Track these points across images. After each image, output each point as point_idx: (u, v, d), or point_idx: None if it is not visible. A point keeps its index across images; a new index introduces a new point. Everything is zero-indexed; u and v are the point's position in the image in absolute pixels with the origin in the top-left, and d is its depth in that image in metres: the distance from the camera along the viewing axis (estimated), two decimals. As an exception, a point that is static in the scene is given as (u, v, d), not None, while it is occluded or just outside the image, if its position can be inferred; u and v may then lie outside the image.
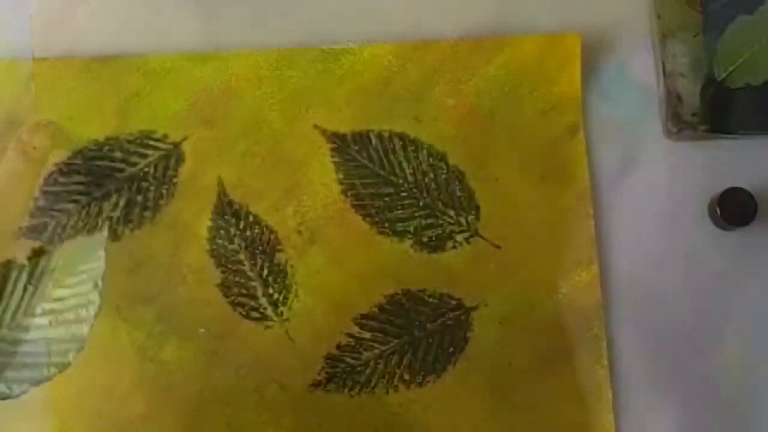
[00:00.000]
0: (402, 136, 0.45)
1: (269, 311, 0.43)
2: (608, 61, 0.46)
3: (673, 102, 0.44)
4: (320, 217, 0.44)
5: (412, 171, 0.44)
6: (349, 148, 0.45)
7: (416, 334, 0.43)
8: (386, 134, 0.45)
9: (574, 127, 0.45)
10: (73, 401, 0.42)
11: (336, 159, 0.44)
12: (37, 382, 0.32)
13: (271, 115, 0.45)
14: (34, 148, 0.44)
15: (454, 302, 0.43)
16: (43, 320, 0.33)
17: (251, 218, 0.44)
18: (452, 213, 0.44)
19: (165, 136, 0.45)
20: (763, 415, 0.43)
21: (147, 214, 0.44)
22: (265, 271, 0.44)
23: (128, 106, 0.45)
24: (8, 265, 0.34)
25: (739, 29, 0.45)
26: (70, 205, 0.44)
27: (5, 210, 0.44)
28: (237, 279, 0.43)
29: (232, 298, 0.43)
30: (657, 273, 0.44)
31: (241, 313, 0.43)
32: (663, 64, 0.45)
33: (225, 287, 0.43)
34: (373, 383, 0.43)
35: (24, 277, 0.34)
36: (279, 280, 0.44)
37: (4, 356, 0.32)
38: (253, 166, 0.44)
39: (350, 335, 0.43)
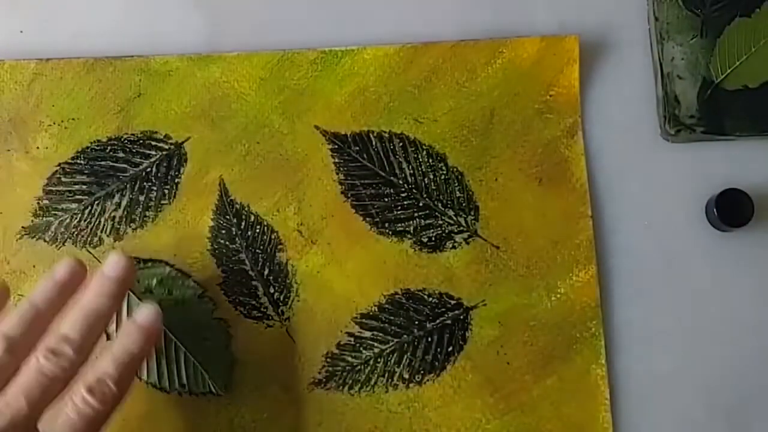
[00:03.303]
0: (402, 137, 0.45)
1: (270, 310, 0.43)
2: (606, 63, 0.46)
3: (670, 104, 0.45)
4: (321, 217, 0.44)
5: (411, 172, 0.45)
6: (350, 149, 0.45)
7: (416, 333, 0.43)
8: (386, 135, 0.45)
9: (572, 129, 0.45)
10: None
11: (336, 159, 0.45)
12: None
13: (272, 116, 0.45)
14: (38, 148, 0.45)
15: (453, 302, 0.44)
16: None
17: (252, 218, 0.44)
18: (451, 213, 0.44)
19: (167, 136, 0.45)
20: (761, 415, 0.43)
21: (149, 213, 0.44)
22: (266, 271, 0.44)
23: (131, 107, 0.45)
24: None
25: (736, 32, 0.45)
26: (73, 205, 0.44)
27: (8, 210, 0.44)
28: (238, 278, 0.44)
29: (234, 297, 0.44)
30: (654, 274, 0.44)
31: (242, 312, 0.43)
32: (660, 66, 0.45)
33: (226, 286, 0.44)
34: (372, 382, 0.43)
35: None
36: (280, 279, 0.44)
37: None
38: (255, 167, 0.45)
39: (350, 334, 0.43)
